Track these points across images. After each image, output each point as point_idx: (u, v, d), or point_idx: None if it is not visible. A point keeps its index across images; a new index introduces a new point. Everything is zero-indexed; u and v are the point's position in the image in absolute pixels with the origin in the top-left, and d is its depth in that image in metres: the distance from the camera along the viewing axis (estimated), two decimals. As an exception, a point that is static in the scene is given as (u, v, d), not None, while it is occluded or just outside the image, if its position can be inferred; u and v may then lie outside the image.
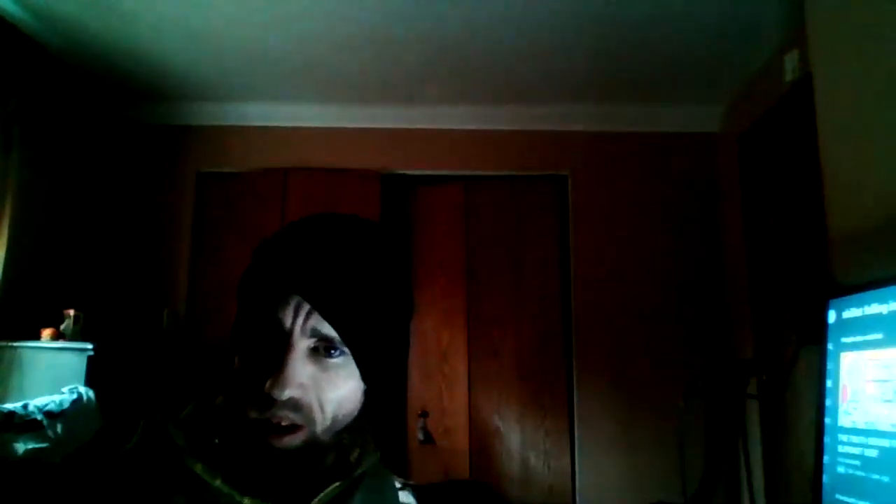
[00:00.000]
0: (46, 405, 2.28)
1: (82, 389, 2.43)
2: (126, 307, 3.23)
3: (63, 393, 2.39)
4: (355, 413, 0.66)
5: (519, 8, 2.56)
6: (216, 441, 0.63)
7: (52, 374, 2.52)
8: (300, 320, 0.61)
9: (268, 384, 0.59)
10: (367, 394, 0.67)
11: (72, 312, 2.72)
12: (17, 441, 2.15)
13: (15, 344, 2.61)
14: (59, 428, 2.25)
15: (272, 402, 0.59)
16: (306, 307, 0.61)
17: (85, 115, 3.29)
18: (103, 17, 2.69)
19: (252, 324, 0.63)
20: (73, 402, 2.35)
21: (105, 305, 3.11)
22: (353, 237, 0.66)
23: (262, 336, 0.62)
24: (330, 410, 0.63)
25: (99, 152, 3.40)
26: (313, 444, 0.62)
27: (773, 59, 2.81)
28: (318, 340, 0.62)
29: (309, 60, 3.04)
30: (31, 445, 2.16)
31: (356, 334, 0.62)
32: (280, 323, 0.61)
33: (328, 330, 0.61)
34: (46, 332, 2.65)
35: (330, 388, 0.63)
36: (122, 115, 3.52)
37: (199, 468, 0.60)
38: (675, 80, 3.18)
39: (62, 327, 2.69)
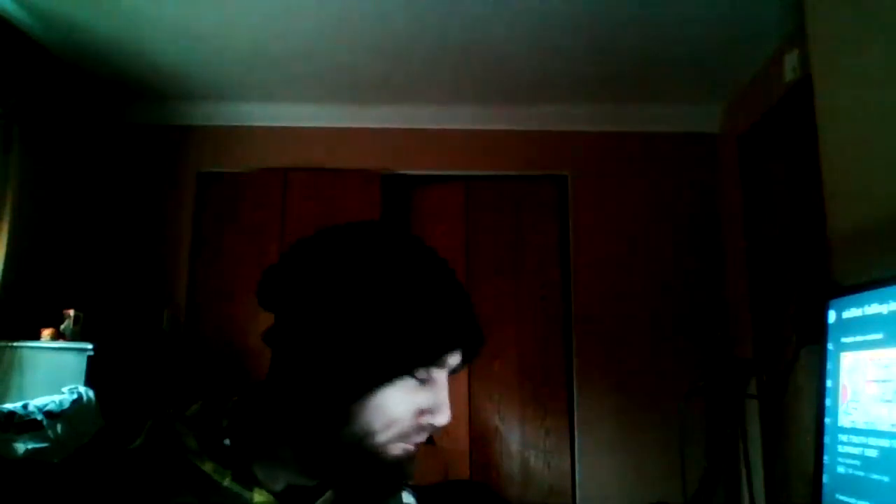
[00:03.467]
0: (46, 405, 2.28)
1: (82, 389, 2.43)
2: (126, 307, 3.23)
3: (63, 393, 2.39)
4: None
5: (519, 8, 2.56)
6: (226, 442, 0.64)
7: (52, 374, 2.52)
8: (456, 364, 0.66)
9: (429, 412, 0.63)
10: None
11: (72, 312, 2.72)
12: (17, 441, 2.15)
13: (15, 344, 2.61)
14: (59, 428, 2.25)
15: (421, 428, 0.64)
16: (460, 355, 0.66)
17: (85, 114, 3.30)
18: (103, 17, 2.69)
19: (409, 361, 0.63)
20: (73, 402, 2.35)
21: (105, 305, 3.11)
22: None
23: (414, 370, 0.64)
24: None
25: (99, 152, 3.40)
26: None
27: (773, 59, 2.81)
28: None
29: (309, 60, 3.04)
30: (31, 445, 2.16)
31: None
32: (443, 362, 0.64)
33: (457, 367, 0.67)
34: (46, 332, 2.65)
35: None
36: (122, 114, 3.52)
37: (208, 467, 0.61)
38: (675, 80, 3.18)
39: (62, 327, 2.69)
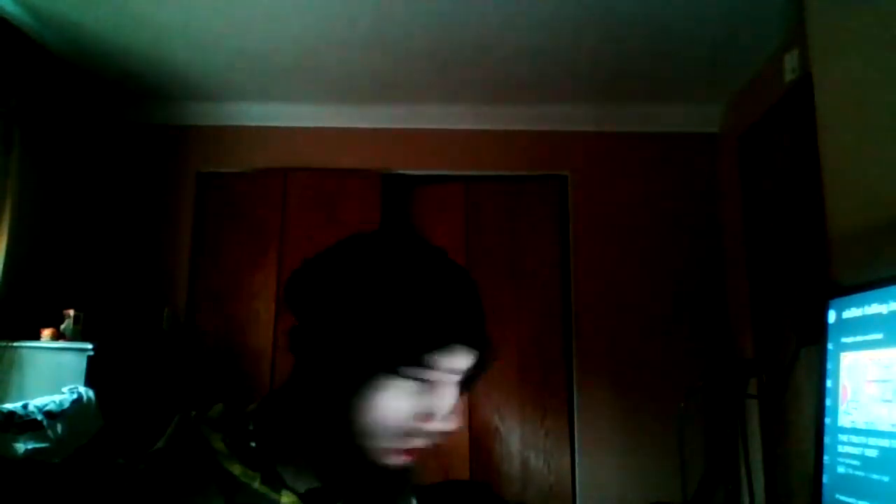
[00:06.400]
0: (46, 405, 2.28)
1: (82, 389, 2.43)
2: (126, 307, 3.23)
3: (63, 393, 2.39)
4: None
5: (519, 8, 2.56)
6: (252, 445, 0.64)
7: (52, 374, 2.52)
8: (460, 367, 0.65)
9: (430, 417, 0.63)
10: None
11: (72, 312, 2.72)
12: (17, 441, 2.15)
13: (15, 344, 2.61)
14: (59, 428, 2.25)
15: (420, 433, 0.63)
16: (467, 357, 0.65)
17: (85, 114, 3.30)
18: (103, 17, 2.69)
19: (410, 361, 0.63)
20: (73, 402, 2.35)
21: (105, 305, 3.11)
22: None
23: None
24: None
25: (99, 152, 3.40)
26: None
27: (773, 59, 2.81)
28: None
29: (309, 60, 3.04)
30: (31, 445, 2.16)
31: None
32: (441, 364, 0.63)
33: (468, 374, 0.67)
34: (46, 332, 2.65)
35: None
36: (123, 115, 3.52)
37: (237, 470, 0.61)
38: (675, 80, 3.18)
39: (62, 327, 2.69)
